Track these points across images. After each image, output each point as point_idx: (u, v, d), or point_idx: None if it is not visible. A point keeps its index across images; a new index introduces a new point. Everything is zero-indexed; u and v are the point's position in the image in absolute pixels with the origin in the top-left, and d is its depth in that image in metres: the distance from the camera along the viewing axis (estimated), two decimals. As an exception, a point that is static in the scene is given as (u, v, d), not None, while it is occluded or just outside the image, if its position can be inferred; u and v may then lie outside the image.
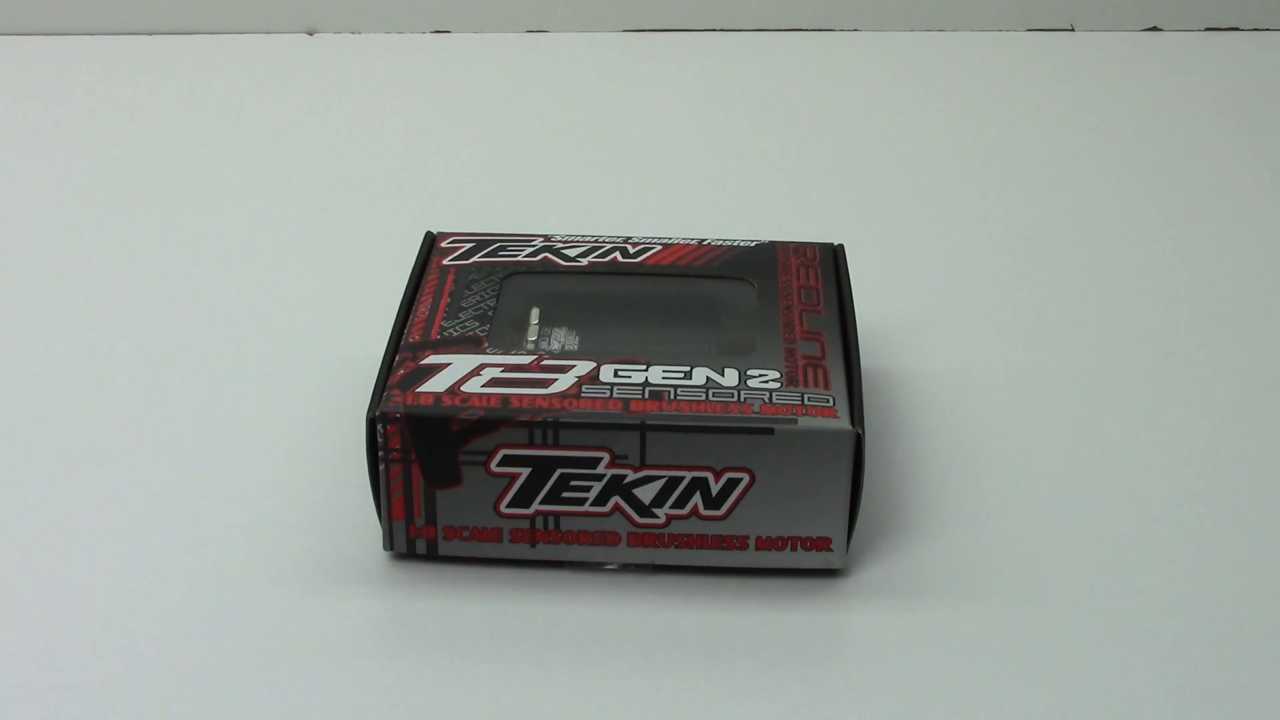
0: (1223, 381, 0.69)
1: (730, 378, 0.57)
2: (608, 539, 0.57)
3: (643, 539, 0.57)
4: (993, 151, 0.89)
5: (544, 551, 0.57)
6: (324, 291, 0.75)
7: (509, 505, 0.56)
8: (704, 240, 0.66)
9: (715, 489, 0.56)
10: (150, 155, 0.88)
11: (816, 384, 0.57)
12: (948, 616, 0.56)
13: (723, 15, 1.02)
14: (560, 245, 0.66)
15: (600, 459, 0.55)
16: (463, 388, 0.56)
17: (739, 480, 0.55)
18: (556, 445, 0.55)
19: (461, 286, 0.63)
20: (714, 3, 1.02)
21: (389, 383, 0.57)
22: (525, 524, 0.57)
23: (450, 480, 0.56)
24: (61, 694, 0.53)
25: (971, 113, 0.93)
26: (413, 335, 0.59)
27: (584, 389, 0.56)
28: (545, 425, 0.55)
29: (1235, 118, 0.93)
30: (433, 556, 0.57)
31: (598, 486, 0.56)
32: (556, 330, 0.62)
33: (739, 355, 0.59)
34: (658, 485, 0.56)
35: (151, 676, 0.53)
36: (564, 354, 0.59)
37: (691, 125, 0.92)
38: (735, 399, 0.56)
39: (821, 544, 0.56)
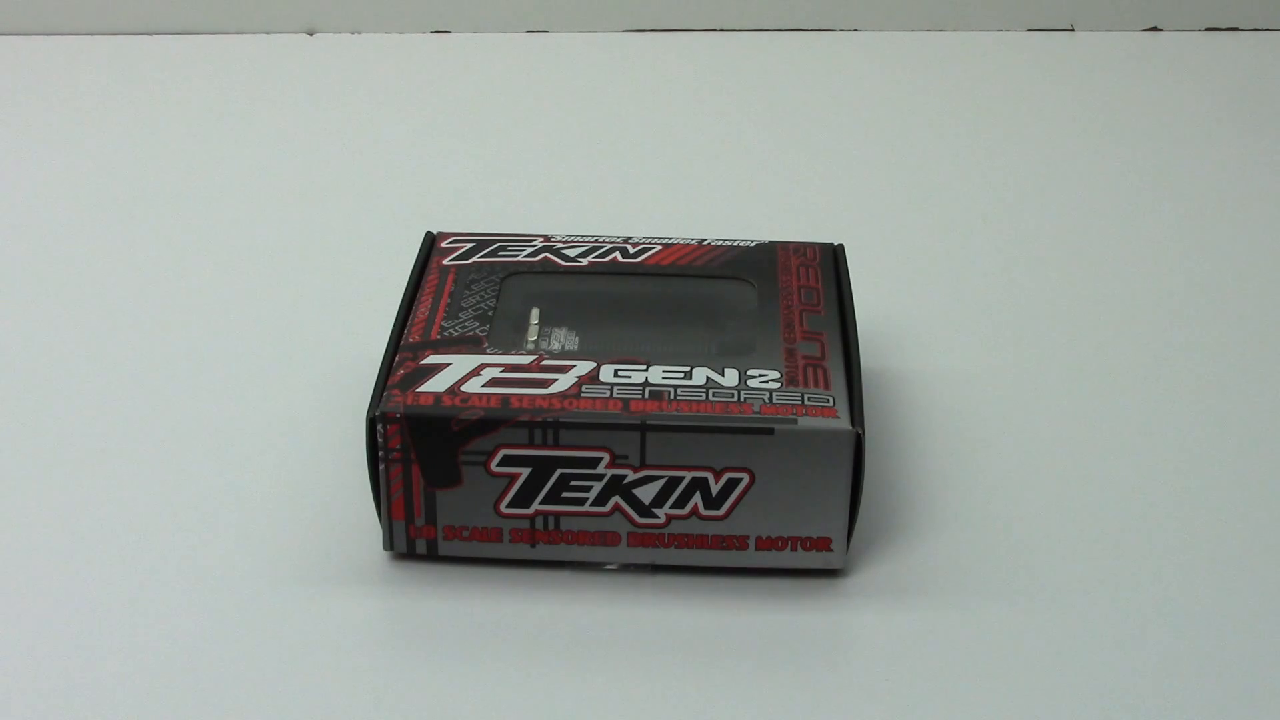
0: (1223, 381, 0.69)
1: (730, 378, 0.57)
2: (608, 539, 0.57)
3: (643, 539, 0.57)
4: (993, 151, 0.89)
5: (544, 551, 0.57)
6: (324, 291, 0.75)
7: (509, 505, 0.56)
8: (704, 240, 0.66)
9: (715, 489, 0.56)
10: (150, 155, 0.88)
11: (816, 384, 0.57)
12: (948, 616, 0.56)
13: (723, 15, 1.02)
14: (560, 245, 0.65)
15: (600, 459, 0.55)
16: (463, 388, 0.56)
17: (739, 480, 0.55)
18: (556, 445, 0.55)
19: (461, 286, 0.62)
20: (714, 3, 1.02)
21: (389, 383, 0.57)
22: (525, 524, 0.57)
23: (450, 480, 0.56)
24: (62, 694, 0.53)
25: (971, 113, 0.93)
26: (413, 335, 0.59)
27: (584, 389, 0.56)
28: (545, 425, 0.55)
29: (1235, 118, 0.93)
30: (433, 556, 0.57)
31: (598, 486, 0.56)
32: (556, 330, 0.62)
33: (739, 355, 0.59)
34: (658, 485, 0.56)
35: (151, 676, 0.53)
36: (564, 354, 0.59)
37: (691, 125, 0.92)
38: (735, 399, 0.56)
39: (821, 544, 0.56)
